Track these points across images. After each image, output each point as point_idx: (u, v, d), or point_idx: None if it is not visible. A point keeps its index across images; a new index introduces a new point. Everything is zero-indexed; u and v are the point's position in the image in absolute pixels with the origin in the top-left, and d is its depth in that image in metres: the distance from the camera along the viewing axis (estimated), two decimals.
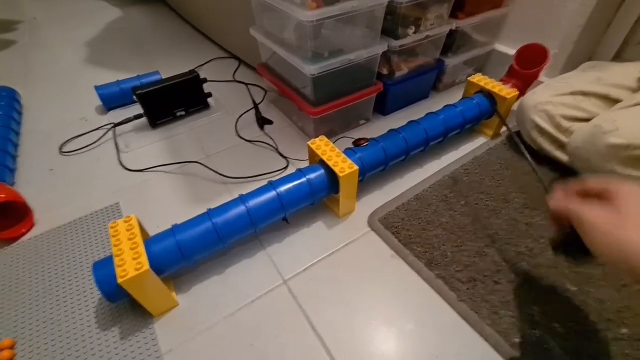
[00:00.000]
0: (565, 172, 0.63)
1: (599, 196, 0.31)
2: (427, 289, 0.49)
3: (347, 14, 0.59)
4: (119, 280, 0.39)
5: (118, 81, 0.88)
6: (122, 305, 0.48)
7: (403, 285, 0.50)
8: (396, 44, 0.70)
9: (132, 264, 0.40)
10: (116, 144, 0.77)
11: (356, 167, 0.53)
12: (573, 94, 0.62)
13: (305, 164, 0.59)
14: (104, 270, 0.43)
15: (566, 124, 0.61)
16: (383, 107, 0.82)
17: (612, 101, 0.59)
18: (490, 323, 0.44)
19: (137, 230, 0.45)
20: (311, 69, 0.62)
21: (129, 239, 0.43)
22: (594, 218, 0.29)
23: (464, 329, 0.45)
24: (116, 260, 0.41)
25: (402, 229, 0.56)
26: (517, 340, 0.42)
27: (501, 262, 0.51)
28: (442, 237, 0.55)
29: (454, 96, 0.88)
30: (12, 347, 0.44)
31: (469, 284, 0.48)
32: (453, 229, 0.56)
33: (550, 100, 0.63)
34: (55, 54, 1.21)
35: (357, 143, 0.61)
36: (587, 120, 0.60)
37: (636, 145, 0.49)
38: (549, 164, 0.65)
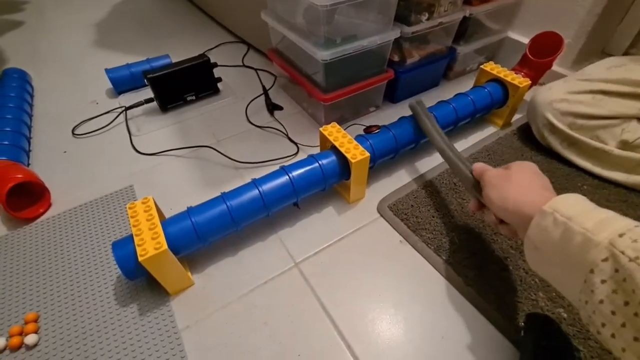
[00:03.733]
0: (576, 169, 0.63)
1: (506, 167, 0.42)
2: (435, 274, 0.50)
3: None
4: (140, 259, 0.40)
5: (128, 64, 0.88)
6: (139, 283, 0.50)
7: (411, 269, 0.51)
8: (409, 30, 0.69)
9: (151, 244, 0.42)
10: (128, 127, 0.78)
11: (367, 154, 0.53)
12: (592, 92, 0.61)
13: (316, 150, 0.60)
14: (123, 249, 0.44)
15: (580, 121, 0.61)
16: (393, 94, 0.82)
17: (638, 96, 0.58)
18: (496, 307, 0.46)
19: (154, 211, 0.46)
20: (323, 55, 0.61)
21: (147, 220, 0.45)
22: (490, 177, 0.41)
23: (471, 311, 0.46)
24: (136, 240, 0.42)
25: (411, 215, 0.57)
26: (522, 324, 0.44)
27: (508, 249, 0.52)
28: (451, 224, 0.56)
29: (465, 84, 0.88)
30: (36, 320, 0.46)
31: (477, 269, 0.50)
32: (461, 217, 0.57)
33: (565, 98, 0.62)
34: (62, 35, 1.21)
35: (369, 130, 0.61)
36: (605, 117, 0.59)
37: None
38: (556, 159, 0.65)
